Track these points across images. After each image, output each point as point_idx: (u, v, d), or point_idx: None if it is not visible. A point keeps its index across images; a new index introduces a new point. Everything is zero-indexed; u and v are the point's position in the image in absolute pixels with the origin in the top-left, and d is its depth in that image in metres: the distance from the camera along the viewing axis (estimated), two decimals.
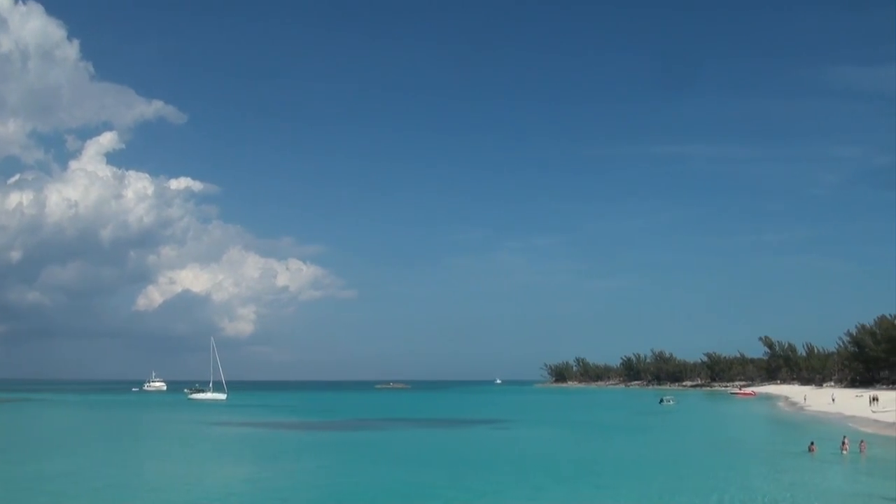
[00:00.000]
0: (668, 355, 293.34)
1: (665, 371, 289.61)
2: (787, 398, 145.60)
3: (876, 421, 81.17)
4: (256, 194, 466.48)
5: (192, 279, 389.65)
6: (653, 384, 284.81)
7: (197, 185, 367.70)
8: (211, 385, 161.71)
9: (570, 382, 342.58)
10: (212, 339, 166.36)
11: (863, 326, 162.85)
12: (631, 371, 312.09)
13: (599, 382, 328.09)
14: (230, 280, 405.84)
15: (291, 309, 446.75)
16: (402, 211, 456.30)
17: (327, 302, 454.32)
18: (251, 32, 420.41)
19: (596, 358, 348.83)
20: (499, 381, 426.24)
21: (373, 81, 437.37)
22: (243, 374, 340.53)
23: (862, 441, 54.44)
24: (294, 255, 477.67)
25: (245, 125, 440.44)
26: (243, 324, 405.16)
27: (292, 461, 50.81)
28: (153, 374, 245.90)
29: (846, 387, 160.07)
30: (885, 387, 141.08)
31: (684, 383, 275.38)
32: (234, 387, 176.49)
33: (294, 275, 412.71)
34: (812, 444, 53.41)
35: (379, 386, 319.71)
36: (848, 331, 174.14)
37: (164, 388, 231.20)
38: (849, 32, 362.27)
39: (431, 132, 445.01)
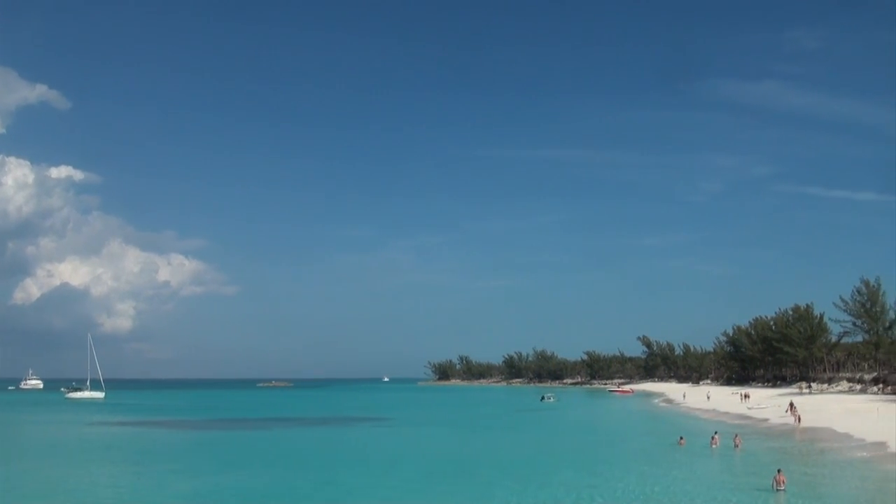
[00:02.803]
0: (549, 354, 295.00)
1: (546, 369, 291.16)
2: (665, 395, 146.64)
3: (749, 417, 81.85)
4: (139, 185, 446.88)
5: (71, 272, 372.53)
6: (534, 382, 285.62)
7: (78, 175, 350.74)
8: (88, 383, 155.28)
9: (453, 380, 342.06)
10: (89, 335, 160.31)
11: (738, 327, 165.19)
12: (513, 369, 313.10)
13: (482, 380, 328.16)
14: (110, 274, 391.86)
15: (172, 305, 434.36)
16: (288, 206, 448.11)
17: (209, 298, 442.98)
18: (139, 20, 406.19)
19: (479, 356, 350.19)
20: (386, 379, 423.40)
21: (260, 75, 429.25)
22: (122, 372, 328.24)
23: (736, 435, 54.48)
24: (175, 249, 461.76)
25: (130, 114, 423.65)
26: (122, 319, 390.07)
27: (165, 462, 46.99)
28: (29, 371, 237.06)
29: (722, 385, 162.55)
30: (759, 384, 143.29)
31: (565, 381, 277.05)
32: (112, 385, 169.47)
33: (175, 270, 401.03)
34: (681, 438, 54.15)
35: (261, 384, 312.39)
36: (725, 331, 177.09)
37: (41, 386, 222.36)
38: (730, 48, 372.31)
39: (319, 128, 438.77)
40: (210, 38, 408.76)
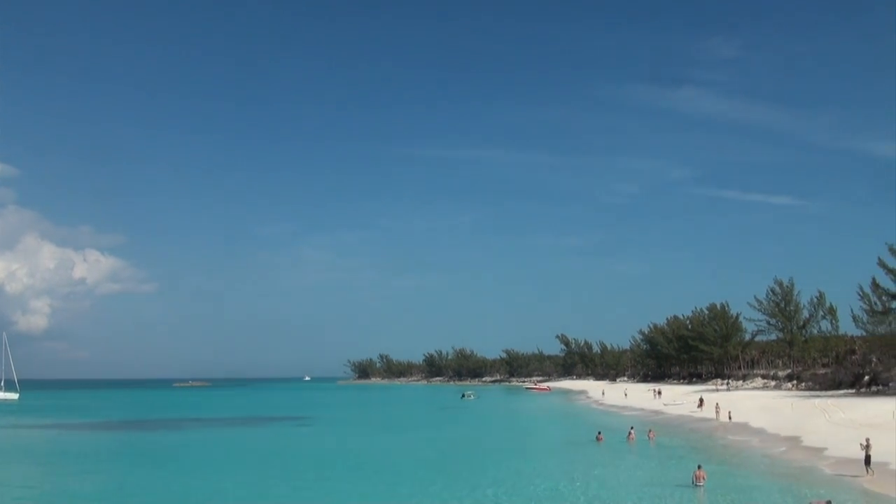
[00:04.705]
0: (469, 352, 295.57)
1: (466, 367, 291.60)
2: (585, 392, 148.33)
3: (665, 413, 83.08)
4: (56, 178, 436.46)
5: None
6: (454, 380, 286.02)
7: None
8: (3, 384, 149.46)
9: (373, 379, 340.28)
10: (3, 333, 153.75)
11: (655, 326, 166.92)
12: (433, 367, 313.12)
13: (402, 378, 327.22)
14: (25, 270, 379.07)
15: (88, 303, 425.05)
16: (204, 201, 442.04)
17: (126, 296, 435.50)
18: (54, 3, 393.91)
19: (399, 355, 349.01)
20: (307, 379, 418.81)
21: (178, 57, 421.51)
22: (37, 373, 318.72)
23: (650, 430, 56.81)
24: (92, 244, 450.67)
25: (47, 104, 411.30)
26: (37, 318, 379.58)
27: (79, 465, 45.32)
28: None
29: (639, 382, 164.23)
30: (675, 381, 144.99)
31: (484, 379, 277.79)
32: (27, 386, 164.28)
33: (92, 266, 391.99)
34: (599, 433, 54.62)
35: (178, 384, 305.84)
36: (641, 329, 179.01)
37: None
38: (649, 54, 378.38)
39: (235, 124, 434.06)
40: (130, 21, 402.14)
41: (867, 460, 33.69)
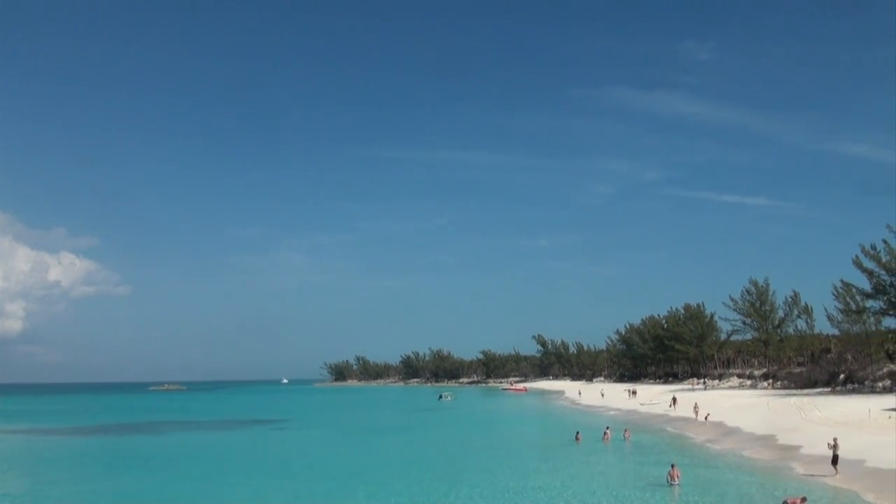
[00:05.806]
0: (445, 353, 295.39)
1: (443, 368, 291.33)
2: (562, 393, 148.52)
3: (641, 413, 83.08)
4: (30, 180, 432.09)
5: None
6: (431, 381, 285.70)
7: None
8: None
9: (349, 381, 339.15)
10: None
11: (631, 326, 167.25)
12: (410, 369, 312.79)
13: (379, 380, 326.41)
14: None
15: (63, 305, 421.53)
16: (179, 204, 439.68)
17: (101, 299, 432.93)
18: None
19: (376, 356, 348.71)
20: (285, 381, 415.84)
21: (154, 59, 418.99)
22: (11, 377, 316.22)
23: (626, 430, 57.13)
24: (66, 247, 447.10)
25: (20, 105, 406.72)
26: (12, 321, 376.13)
27: (56, 471, 44.68)
28: None
29: (615, 382, 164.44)
30: (651, 381, 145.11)
31: (461, 380, 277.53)
32: (1, 390, 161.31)
33: (66, 269, 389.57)
34: (578, 433, 54.69)
35: (153, 388, 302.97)
36: (617, 330, 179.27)
37: None
38: (624, 57, 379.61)
39: (211, 114, 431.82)
40: (105, 22, 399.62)
41: (834, 459, 34.08)
